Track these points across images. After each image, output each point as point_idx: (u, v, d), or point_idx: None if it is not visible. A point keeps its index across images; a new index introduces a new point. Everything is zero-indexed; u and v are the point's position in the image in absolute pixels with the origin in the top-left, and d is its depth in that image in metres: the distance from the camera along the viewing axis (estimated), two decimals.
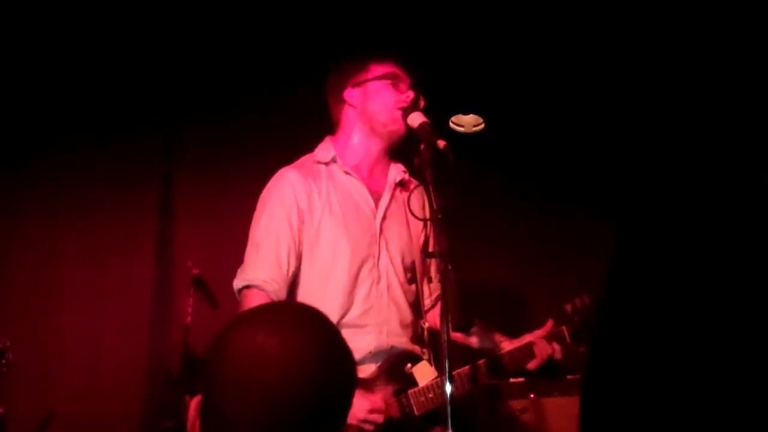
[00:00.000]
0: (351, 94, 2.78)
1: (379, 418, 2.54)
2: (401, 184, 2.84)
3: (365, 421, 2.53)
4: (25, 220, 4.08)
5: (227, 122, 4.29)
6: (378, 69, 2.77)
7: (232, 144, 4.30)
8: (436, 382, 2.61)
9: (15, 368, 3.19)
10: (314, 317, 1.37)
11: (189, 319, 3.69)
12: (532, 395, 3.54)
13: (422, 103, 2.73)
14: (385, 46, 2.99)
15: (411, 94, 2.73)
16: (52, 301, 4.05)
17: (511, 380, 3.57)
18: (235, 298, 2.71)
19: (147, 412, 4.03)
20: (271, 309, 1.50)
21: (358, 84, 2.77)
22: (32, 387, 3.86)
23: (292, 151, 3.99)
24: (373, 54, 2.83)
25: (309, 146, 2.92)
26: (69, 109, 4.11)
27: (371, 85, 2.75)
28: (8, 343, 3.11)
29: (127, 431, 4.02)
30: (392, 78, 2.75)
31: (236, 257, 3.92)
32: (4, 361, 3.10)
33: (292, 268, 2.65)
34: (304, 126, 3.93)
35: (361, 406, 2.52)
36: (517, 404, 3.53)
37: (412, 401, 2.62)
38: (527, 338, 2.72)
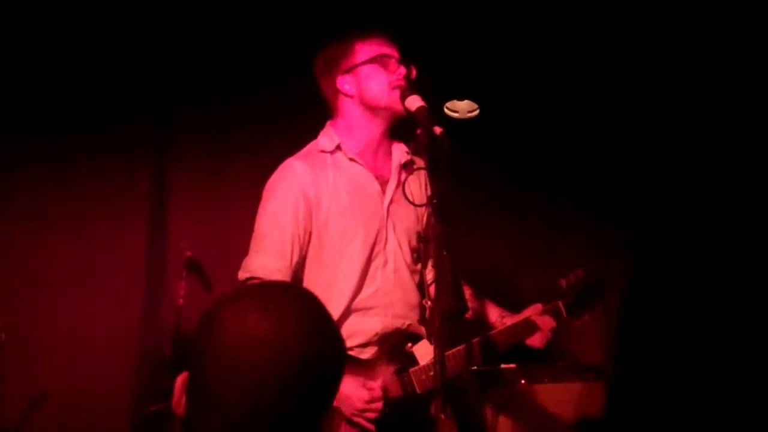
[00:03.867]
0: (343, 82, 2.76)
1: (378, 405, 2.57)
2: (405, 166, 2.84)
3: (365, 410, 2.56)
4: (16, 200, 4.07)
5: (221, 104, 4.28)
6: (365, 50, 2.75)
7: (226, 126, 4.28)
8: (434, 357, 2.63)
9: (7, 349, 3.18)
10: (307, 300, 1.37)
11: (181, 301, 3.69)
12: (523, 381, 3.55)
13: (414, 72, 2.73)
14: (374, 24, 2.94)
15: (403, 70, 2.71)
16: (43, 282, 4.03)
17: (503, 366, 3.58)
18: (227, 280, 2.72)
19: (137, 395, 4.03)
20: (263, 289, 1.48)
21: (348, 70, 2.75)
22: (23, 368, 3.86)
23: (286, 134, 3.99)
24: (355, 32, 2.80)
25: (303, 130, 2.92)
26: (60, 91, 4.08)
27: (361, 70, 2.74)
28: (1, 324, 3.10)
29: (117, 413, 4.02)
30: (381, 59, 2.73)
31: (229, 240, 3.95)
32: None
33: (296, 259, 2.66)
34: (298, 110, 3.95)
35: (360, 397, 2.56)
36: (508, 390, 3.54)
37: (413, 379, 2.65)
38: (525, 314, 2.76)
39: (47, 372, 3.93)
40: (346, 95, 2.77)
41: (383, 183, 2.79)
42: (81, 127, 4.12)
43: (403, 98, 2.63)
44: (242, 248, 2.80)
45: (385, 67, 2.72)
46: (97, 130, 4.14)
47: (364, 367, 2.63)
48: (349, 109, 2.78)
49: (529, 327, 2.73)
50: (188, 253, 3.72)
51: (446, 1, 4.24)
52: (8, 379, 3.66)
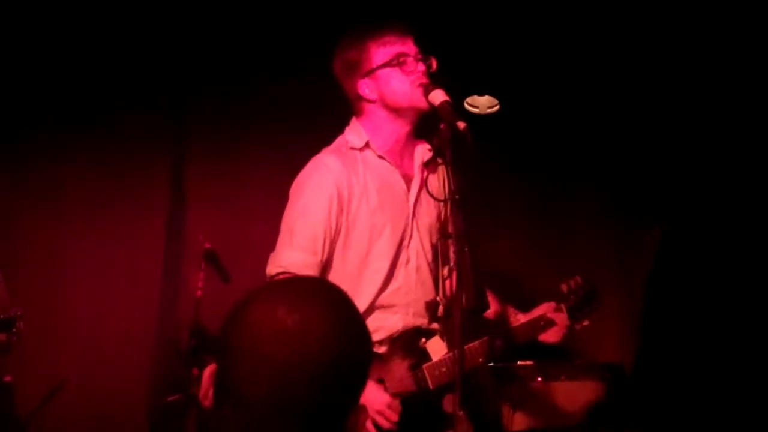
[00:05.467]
0: (364, 86, 2.72)
1: (393, 416, 2.57)
2: (427, 164, 2.83)
3: (380, 413, 2.56)
4: (35, 191, 4.08)
5: (239, 96, 4.28)
6: (380, 52, 2.71)
7: (245, 117, 4.28)
8: (449, 357, 2.64)
9: (25, 338, 3.19)
10: (336, 295, 1.36)
11: (199, 293, 3.68)
12: (539, 378, 3.55)
13: (434, 65, 2.71)
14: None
15: (422, 67, 2.69)
16: (61, 272, 4.05)
17: (520, 363, 3.58)
18: (246, 272, 2.71)
19: (154, 385, 4.05)
20: (293, 283, 1.47)
21: (367, 74, 2.72)
22: (41, 357, 3.87)
23: (304, 127, 4.00)
24: (368, 32, 2.75)
25: (321, 122, 2.91)
26: (79, 83, 4.09)
27: (380, 74, 2.70)
28: (20, 313, 3.10)
29: (134, 403, 4.04)
30: (397, 59, 2.70)
31: (248, 231, 3.95)
32: (15, 330, 3.09)
33: (326, 256, 2.66)
34: (316, 102, 3.95)
35: (381, 399, 2.57)
36: (525, 387, 3.54)
37: (426, 375, 2.65)
38: (538, 311, 2.79)
39: (65, 361, 3.95)
40: (369, 100, 2.75)
41: (408, 182, 2.79)
42: (99, 118, 4.12)
43: (426, 93, 2.61)
44: (260, 240, 2.80)
45: (402, 66, 2.69)
46: (114, 121, 4.14)
47: (378, 362, 2.63)
48: (373, 111, 2.75)
49: (545, 323, 2.76)
50: (207, 245, 3.72)
51: None
52: (27, 368, 3.67)
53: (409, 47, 2.72)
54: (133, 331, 4.05)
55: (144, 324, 4.08)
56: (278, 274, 2.63)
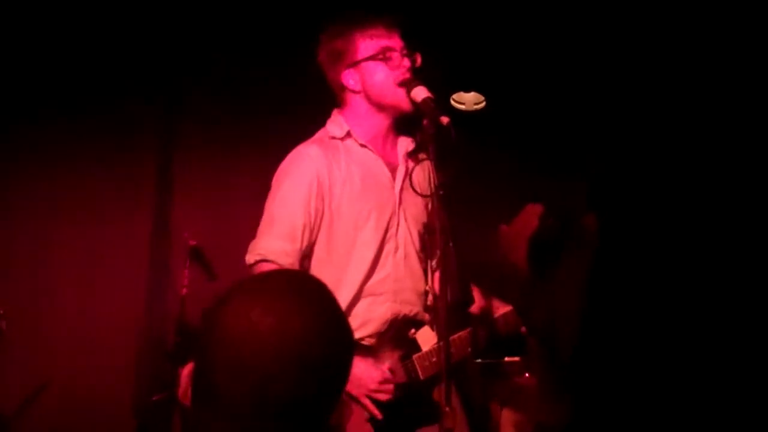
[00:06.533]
0: (348, 77, 2.72)
1: (389, 387, 2.59)
2: (411, 155, 2.83)
3: (376, 391, 2.57)
4: (21, 189, 4.06)
5: (228, 93, 4.26)
6: (366, 44, 2.70)
7: (232, 115, 4.27)
8: (439, 347, 2.63)
9: (8, 337, 3.17)
10: (313, 291, 1.33)
11: (185, 291, 3.68)
12: (527, 374, 3.54)
13: (419, 60, 2.70)
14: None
15: (407, 63, 2.68)
16: (46, 270, 4.03)
17: (507, 359, 3.57)
18: (231, 270, 2.70)
19: (140, 384, 4.03)
20: (268, 281, 1.44)
21: (352, 65, 2.71)
22: (24, 357, 3.85)
23: (292, 124, 3.96)
24: (355, 23, 2.74)
25: (308, 120, 2.89)
26: (68, 76, 4.07)
27: (365, 66, 2.70)
28: (1, 312, 3.09)
29: (120, 402, 4.02)
30: (383, 53, 2.70)
31: (234, 229, 3.92)
32: None
33: (305, 244, 2.65)
34: (303, 99, 3.92)
35: (372, 378, 2.58)
36: (513, 383, 3.54)
37: (417, 366, 2.65)
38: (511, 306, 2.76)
39: (49, 361, 3.93)
40: (352, 90, 2.74)
41: (393, 170, 2.78)
42: (85, 116, 4.10)
43: (408, 91, 2.61)
44: (246, 238, 2.78)
45: (388, 61, 2.69)
46: (101, 120, 4.12)
47: (368, 354, 2.64)
48: (355, 102, 2.76)
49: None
50: (192, 243, 3.71)
51: None
52: (9, 368, 3.66)
53: (395, 41, 2.72)
54: (119, 329, 4.03)
55: (130, 322, 4.06)
56: (257, 261, 2.62)
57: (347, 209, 2.68)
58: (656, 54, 4.06)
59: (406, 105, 2.64)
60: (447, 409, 2.28)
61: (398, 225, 2.74)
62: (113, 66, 4.11)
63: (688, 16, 3.94)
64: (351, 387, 2.55)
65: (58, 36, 4.03)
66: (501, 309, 2.78)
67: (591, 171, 1.08)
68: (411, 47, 2.73)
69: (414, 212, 2.79)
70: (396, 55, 2.69)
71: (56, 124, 4.07)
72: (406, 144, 2.83)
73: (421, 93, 2.57)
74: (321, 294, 1.33)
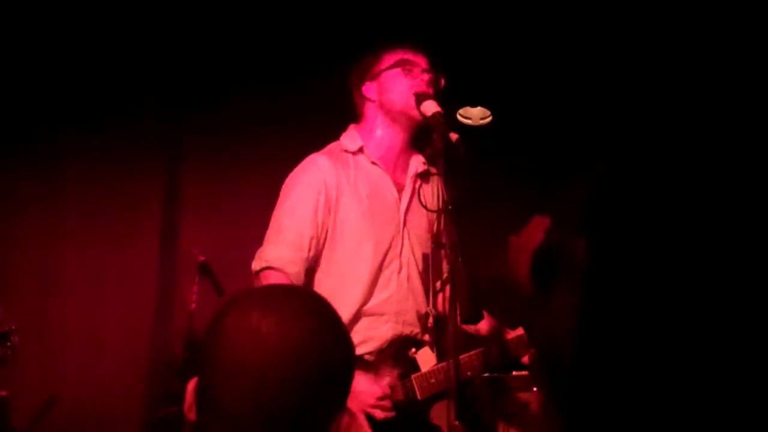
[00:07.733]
0: (368, 87, 2.79)
1: (387, 404, 2.59)
2: (421, 176, 2.84)
3: (375, 407, 2.58)
4: (29, 204, 4.07)
5: (234, 108, 4.27)
6: (389, 58, 2.78)
7: (240, 130, 4.28)
8: (438, 368, 2.66)
9: (20, 352, 3.19)
10: (311, 299, 1.34)
11: (193, 306, 3.68)
12: (535, 389, 3.54)
13: (443, 82, 2.74)
14: (395, 34, 2.98)
15: (426, 77, 2.73)
16: (55, 285, 4.03)
17: (515, 373, 3.57)
18: (240, 285, 2.70)
19: (149, 399, 4.03)
20: (268, 289, 1.47)
21: (374, 77, 2.77)
22: (36, 371, 3.86)
23: (299, 139, 3.98)
24: (385, 43, 2.84)
25: (315, 135, 2.92)
26: (73, 93, 4.08)
27: (385, 76, 2.76)
28: (14, 327, 3.11)
29: (129, 417, 4.02)
30: (403, 65, 2.75)
31: (242, 245, 3.92)
32: (9, 344, 3.10)
33: (312, 253, 2.66)
34: (311, 114, 3.95)
35: (372, 393, 2.59)
36: (520, 398, 3.53)
37: (415, 385, 2.66)
38: (522, 330, 2.76)
39: (60, 375, 3.93)
40: (370, 100, 2.79)
41: (399, 190, 2.80)
42: (94, 130, 4.12)
43: (418, 103, 2.63)
44: (255, 253, 2.79)
45: (408, 73, 2.74)
46: (110, 133, 4.13)
47: (367, 370, 2.64)
48: (371, 113, 2.80)
49: (527, 343, 2.72)
50: (201, 258, 3.71)
51: (461, 8, 4.23)
52: (21, 382, 3.66)
53: (419, 59, 2.78)
54: (128, 344, 4.03)
55: (138, 337, 4.06)
56: (263, 269, 2.64)
57: (351, 225, 2.70)
58: (663, 71, 4.07)
59: (414, 112, 2.66)
60: (456, 422, 2.29)
61: (402, 245, 2.76)
62: (119, 83, 4.12)
63: (693, 31, 3.96)
64: (349, 401, 2.55)
65: (64, 54, 4.04)
66: (513, 332, 2.78)
67: (586, 189, 1.09)
68: (436, 68, 2.78)
69: (418, 233, 2.81)
70: (417, 69, 2.75)
71: (64, 139, 4.09)
72: (416, 164, 2.84)
73: (430, 107, 2.60)
74: (319, 303, 1.34)
